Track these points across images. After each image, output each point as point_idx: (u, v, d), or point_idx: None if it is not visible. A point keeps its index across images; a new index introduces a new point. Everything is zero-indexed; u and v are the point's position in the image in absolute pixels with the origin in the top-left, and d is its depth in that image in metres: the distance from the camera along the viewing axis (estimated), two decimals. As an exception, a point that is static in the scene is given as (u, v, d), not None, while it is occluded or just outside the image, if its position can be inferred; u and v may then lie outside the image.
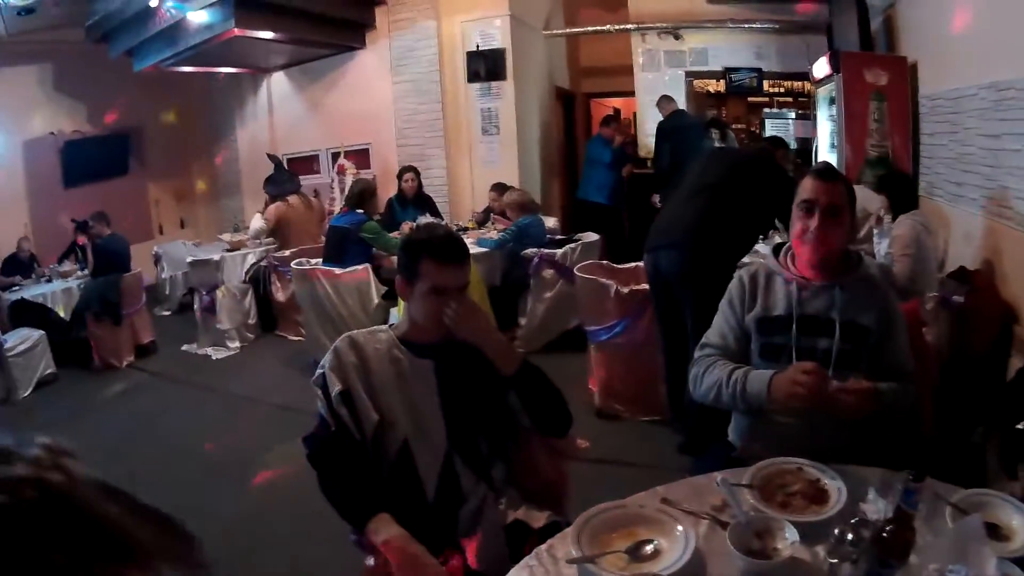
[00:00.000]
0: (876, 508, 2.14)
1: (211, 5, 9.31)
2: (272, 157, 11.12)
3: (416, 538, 2.47)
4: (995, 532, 2.21)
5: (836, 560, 1.91)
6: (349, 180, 10.56)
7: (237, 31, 9.39)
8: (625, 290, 5.76)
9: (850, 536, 1.92)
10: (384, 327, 2.91)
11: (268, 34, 10.09)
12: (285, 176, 10.69)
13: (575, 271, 6.45)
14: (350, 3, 11.23)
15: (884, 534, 1.90)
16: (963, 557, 1.89)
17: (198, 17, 9.45)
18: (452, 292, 2.66)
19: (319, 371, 2.75)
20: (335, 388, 2.66)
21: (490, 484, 2.81)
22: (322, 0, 10.63)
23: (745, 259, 5.34)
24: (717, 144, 10.27)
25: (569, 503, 2.98)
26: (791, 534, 2.08)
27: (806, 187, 2.95)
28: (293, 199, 9.89)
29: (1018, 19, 5.70)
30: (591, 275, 6.21)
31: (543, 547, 2.19)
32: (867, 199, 6.16)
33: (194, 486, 5.22)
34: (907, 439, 3.13)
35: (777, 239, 5.64)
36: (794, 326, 2.94)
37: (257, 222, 10.06)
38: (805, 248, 2.94)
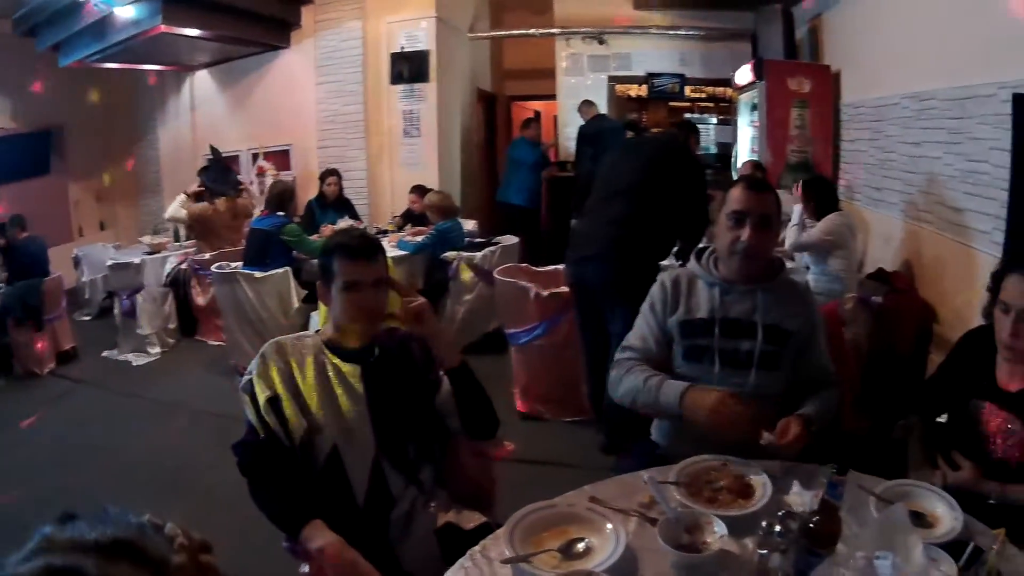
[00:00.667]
0: (801, 500, 2.23)
1: (139, 0, 9.13)
2: (214, 150, 10.87)
3: (348, 543, 2.45)
4: (920, 519, 2.29)
5: (766, 551, 1.95)
6: (268, 181, 10.43)
7: (164, 27, 9.18)
8: (545, 293, 5.77)
9: (778, 528, 1.96)
10: (311, 332, 2.91)
11: (195, 31, 9.88)
12: (223, 174, 10.38)
13: (495, 274, 6.43)
14: (277, 1, 11.09)
15: (811, 525, 1.95)
16: (890, 545, 1.93)
17: (125, 12, 9.22)
18: (366, 287, 2.69)
19: (246, 377, 2.73)
20: (263, 395, 2.65)
21: (420, 487, 2.81)
22: (249, -3, 10.46)
23: (666, 261, 5.39)
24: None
25: (498, 504, 3.00)
26: (720, 528, 2.13)
27: (736, 198, 3.00)
28: (220, 202, 9.63)
29: (940, 33, 5.96)
30: (511, 278, 6.21)
31: (476, 548, 2.20)
32: (787, 203, 6.30)
33: (122, 494, 5.04)
34: (828, 435, 3.19)
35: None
36: (717, 328, 2.99)
37: (178, 208, 9.72)
38: (735, 259, 2.99)
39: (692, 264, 3.17)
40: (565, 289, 5.65)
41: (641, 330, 3.14)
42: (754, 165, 7.83)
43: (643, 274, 4.35)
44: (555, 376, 6.02)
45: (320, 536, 2.45)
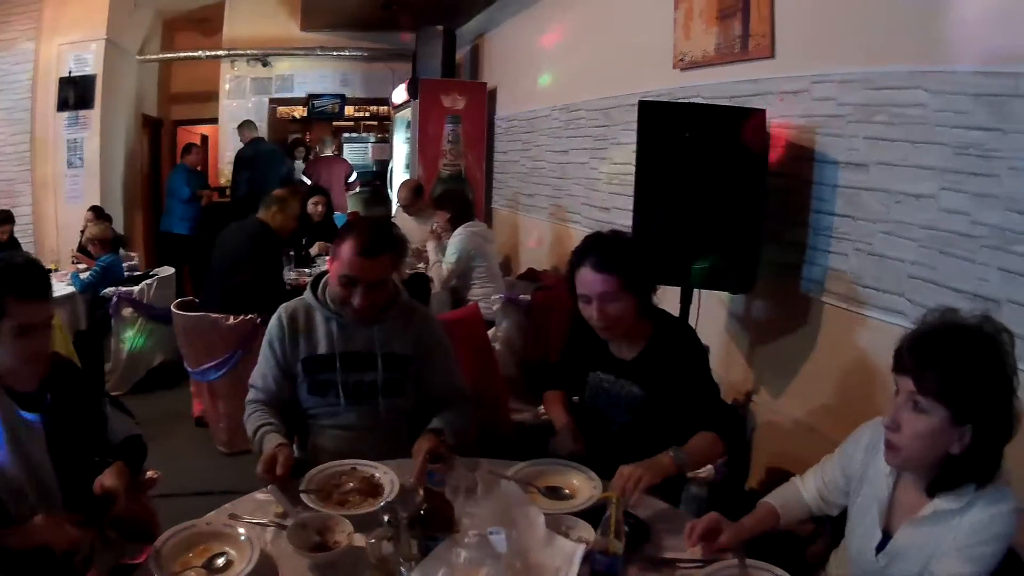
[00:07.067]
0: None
1: None
2: None
3: None
4: (558, 493, 2.53)
5: (374, 540, 2.06)
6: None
7: None
8: (233, 320, 5.49)
9: (387, 518, 2.09)
10: None
11: None
12: None
13: (172, 309, 5.89)
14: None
15: (421, 512, 2.10)
16: (507, 520, 2.09)
17: None
18: (41, 328, 2.47)
19: None
20: None
21: (98, 529, 2.67)
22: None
23: None
24: (300, 164, 11.14)
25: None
26: (346, 527, 2.26)
27: (347, 261, 2.92)
28: None
29: (588, 50, 6.59)
30: (192, 311, 5.76)
31: None
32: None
33: None
34: (489, 432, 3.30)
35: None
36: (338, 363, 3.04)
37: None
38: (348, 311, 2.99)
39: (308, 295, 3.16)
40: (250, 316, 5.47)
41: (262, 368, 3.11)
42: (413, 188, 7.96)
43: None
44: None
45: None
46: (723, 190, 4.04)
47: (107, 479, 2.52)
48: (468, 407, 3.18)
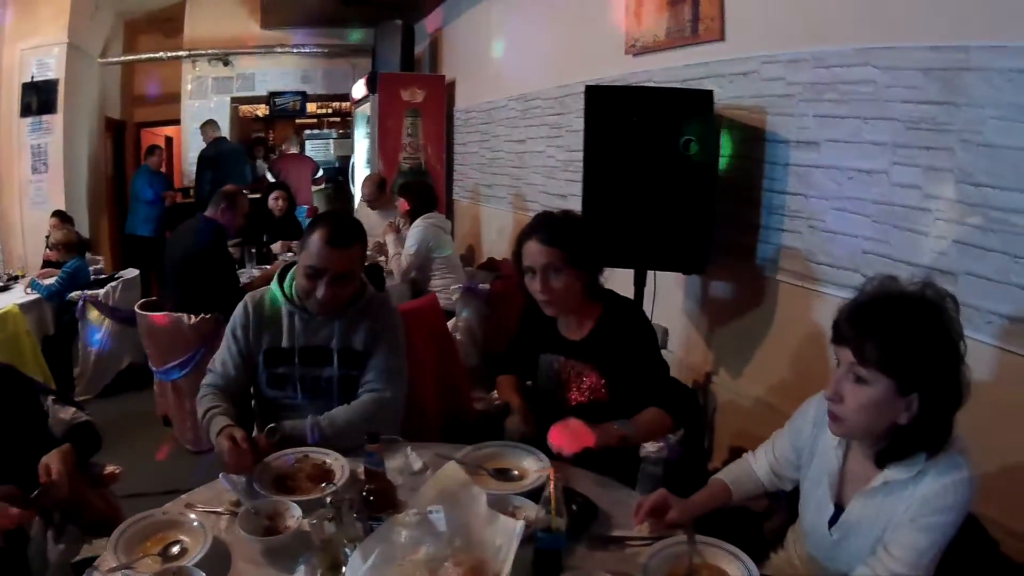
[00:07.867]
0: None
1: None
2: None
3: None
4: (507, 475, 2.54)
5: (316, 521, 2.06)
6: None
7: None
8: (194, 319, 5.48)
9: (329, 500, 2.12)
10: None
11: None
12: None
13: (136, 309, 5.88)
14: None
15: (365, 493, 2.16)
16: (450, 499, 2.12)
17: None
18: None
19: None
20: None
21: (49, 521, 2.70)
22: None
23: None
24: (262, 164, 11.21)
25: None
26: (296, 511, 2.27)
27: (314, 252, 2.90)
28: None
29: (543, 43, 6.62)
30: (155, 311, 5.73)
31: (94, 565, 2.18)
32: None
33: None
34: (452, 420, 3.27)
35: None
36: (297, 358, 3.03)
37: None
38: (312, 303, 2.97)
39: (275, 287, 3.13)
40: (211, 314, 5.46)
41: (223, 354, 3.11)
42: (377, 183, 7.93)
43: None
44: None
45: None
46: (673, 172, 4.06)
47: (51, 459, 2.56)
48: (391, 401, 3.04)
